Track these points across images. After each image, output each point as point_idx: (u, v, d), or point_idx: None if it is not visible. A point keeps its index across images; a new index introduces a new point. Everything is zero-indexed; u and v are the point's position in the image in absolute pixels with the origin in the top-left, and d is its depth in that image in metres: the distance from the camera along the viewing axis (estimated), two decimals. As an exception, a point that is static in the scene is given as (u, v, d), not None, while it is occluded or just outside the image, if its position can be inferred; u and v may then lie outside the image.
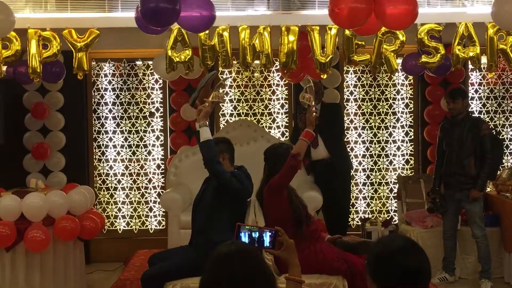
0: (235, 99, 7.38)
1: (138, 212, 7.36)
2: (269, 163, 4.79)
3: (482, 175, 5.77)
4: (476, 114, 7.34)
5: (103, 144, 7.32)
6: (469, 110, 7.18)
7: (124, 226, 7.32)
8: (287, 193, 4.55)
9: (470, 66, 6.82)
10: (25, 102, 6.93)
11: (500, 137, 7.24)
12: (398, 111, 7.43)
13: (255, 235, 2.52)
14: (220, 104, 7.21)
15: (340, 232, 6.45)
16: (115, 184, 7.33)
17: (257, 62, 5.67)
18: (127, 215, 7.34)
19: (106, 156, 7.33)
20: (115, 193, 7.35)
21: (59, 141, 7.02)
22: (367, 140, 7.44)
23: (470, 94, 7.38)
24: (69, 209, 5.50)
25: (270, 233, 2.52)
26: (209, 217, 4.59)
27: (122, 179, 7.31)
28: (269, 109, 7.40)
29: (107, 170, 7.34)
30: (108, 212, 7.33)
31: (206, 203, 4.68)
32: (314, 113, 4.59)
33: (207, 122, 4.63)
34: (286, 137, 7.29)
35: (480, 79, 7.44)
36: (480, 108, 7.45)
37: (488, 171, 5.81)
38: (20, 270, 5.27)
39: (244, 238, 2.52)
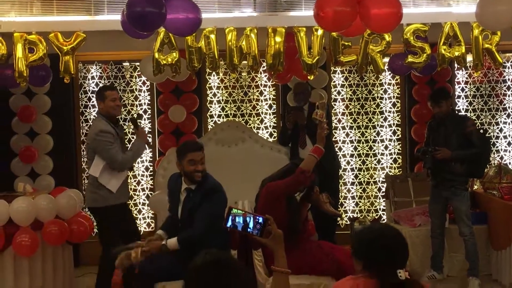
0: (222, 100, 7.39)
1: (127, 214, 7.33)
2: (290, 174, 4.59)
3: (463, 152, 5.76)
4: (462, 113, 7.38)
5: (91, 147, 7.29)
6: (456, 108, 7.23)
7: (113, 229, 7.29)
8: (286, 202, 4.47)
9: (456, 65, 6.86)
10: (12, 105, 6.89)
11: (487, 135, 7.28)
12: (386, 110, 7.47)
13: (239, 219, 2.52)
14: (208, 105, 7.24)
15: (329, 232, 6.52)
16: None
17: (244, 62, 5.68)
18: (116, 217, 7.30)
19: (94, 159, 7.29)
20: (103, 195, 7.31)
21: (46, 144, 6.99)
22: (355, 139, 7.47)
23: (456, 93, 7.42)
24: (58, 213, 5.49)
25: (257, 219, 2.52)
26: (207, 225, 4.50)
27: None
28: (257, 110, 7.41)
29: (96, 173, 7.30)
30: (97, 214, 7.30)
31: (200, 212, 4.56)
32: (326, 130, 4.59)
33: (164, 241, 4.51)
34: (274, 137, 7.31)
35: (466, 78, 7.48)
36: (467, 106, 7.49)
37: (471, 155, 5.76)
38: (9, 275, 5.27)
39: (228, 223, 2.52)
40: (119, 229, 5.33)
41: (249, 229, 2.51)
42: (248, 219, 2.51)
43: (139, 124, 5.62)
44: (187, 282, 2.11)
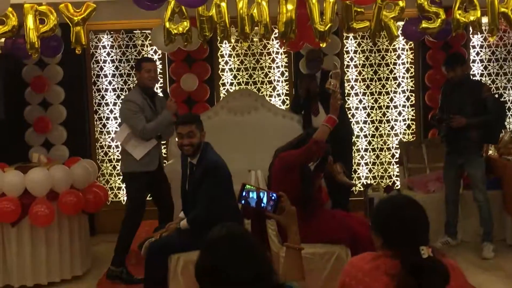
0: (234, 68, 7.35)
1: (141, 183, 7.36)
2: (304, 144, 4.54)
3: (477, 119, 5.72)
4: (477, 77, 7.30)
5: (104, 116, 7.32)
6: (471, 73, 7.15)
7: (128, 198, 7.35)
8: (300, 173, 4.45)
9: (471, 29, 6.75)
10: (25, 76, 6.91)
11: (502, 99, 7.20)
12: (399, 76, 7.40)
13: (253, 195, 2.52)
14: (220, 73, 7.22)
15: (342, 200, 6.53)
16: (117, 156, 7.33)
17: (256, 28, 5.60)
18: (130, 186, 7.33)
19: (108, 128, 7.32)
20: (117, 164, 7.35)
21: (60, 114, 7.02)
22: (368, 106, 7.42)
23: (471, 57, 7.33)
24: (73, 183, 5.52)
25: (271, 196, 2.51)
26: (209, 205, 4.49)
27: (122, 153, 7.26)
28: (269, 77, 7.37)
29: (109, 142, 7.34)
30: (111, 183, 7.37)
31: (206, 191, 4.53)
32: (340, 100, 4.55)
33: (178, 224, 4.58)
34: (287, 105, 7.28)
35: (482, 42, 7.38)
36: (482, 70, 7.41)
37: (485, 121, 5.75)
38: (26, 245, 5.32)
39: (242, 200, 2.52)
40: (144, 196, 5.68)
41: (262, 205, 2.50)
42: (261, 194, 2.51)
43: (169, 95, 5.82)
44: (203, 254, 2.12)
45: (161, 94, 5.92)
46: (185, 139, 4.50)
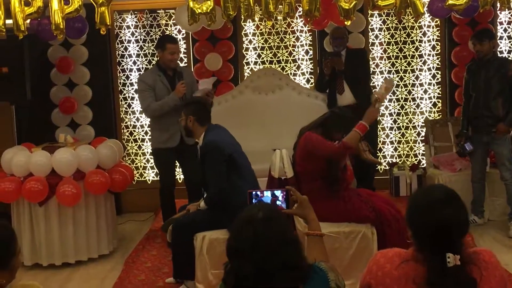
0: (258, 46, 7.31)
1: (167, 163, 7.40)
2: (329, 123, 4.60)
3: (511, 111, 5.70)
4: (505, 54, 7.19)
5: (129, 96, 7.35)
6: (498, 50, 7.04)
7: (153, 177, 7.38)
8: (326, 159, 4.44)
9: (499, 5, 6.63)
10: (50, 57, 6.96)
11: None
12: (425, 54, 7.31)
13: (267, 193, 2.56)
14: (244, 52, 7.18)
15: (367, 178, 6.51)
16: (143, 136, 7.38)
17: (280, 6, 5.55)
18: (156, 165, 7.38)
19: (133, 108, 7.35)
20: (142, 144, 7.40)
21: (85, 94, 7.07)
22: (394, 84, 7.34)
23: (498, 34, 7.21)
24: (99, 163, 5.57)
25: (282, 193, 2.55)
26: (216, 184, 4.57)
27: (150, 130, 7.31)
28: (294, 56, 7.33)
29: (134, 122, 7.38)
30: (137, 163, 7.41)
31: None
32: (379, 113, 4.53)
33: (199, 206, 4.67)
34: (311, 83, 7.24)
35: (509, 18, 7.25)
36: (509, 47, 7.28)
37: None
38: (54, 224, 5.40)
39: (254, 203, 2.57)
40: (168, 170, 5.85)
41: (278, 202, 2.56)
42: (276, 192, 2.57)
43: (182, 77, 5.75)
44: (236, 233, 2.14)
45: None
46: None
